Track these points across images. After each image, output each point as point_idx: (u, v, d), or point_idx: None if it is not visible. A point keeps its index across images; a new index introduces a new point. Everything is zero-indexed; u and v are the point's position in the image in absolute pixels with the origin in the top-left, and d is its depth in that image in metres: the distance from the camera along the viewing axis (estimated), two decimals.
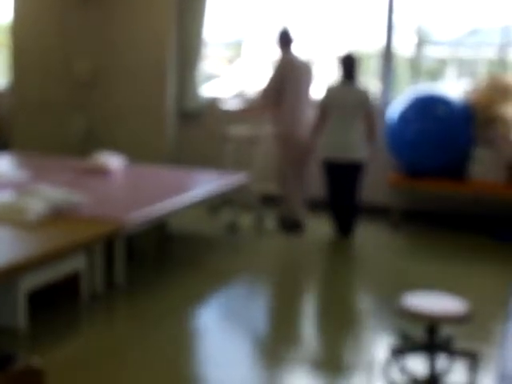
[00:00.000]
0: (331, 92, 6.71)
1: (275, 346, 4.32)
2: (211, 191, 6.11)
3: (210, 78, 8.56)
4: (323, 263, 6.18)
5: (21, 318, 4.12)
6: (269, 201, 7.13)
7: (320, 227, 6.89)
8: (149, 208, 5.22)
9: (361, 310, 5.10)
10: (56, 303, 4.60)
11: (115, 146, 7.44)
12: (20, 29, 8.50)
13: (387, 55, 7.54)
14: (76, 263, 4.55)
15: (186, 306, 4.85)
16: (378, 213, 7.26)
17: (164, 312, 4.70)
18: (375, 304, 5.14)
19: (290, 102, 6.77)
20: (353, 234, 6.67)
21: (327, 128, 6.65)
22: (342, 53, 6.86)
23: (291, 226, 6.84)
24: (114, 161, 6.59)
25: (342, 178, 6.62)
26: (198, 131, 7.94)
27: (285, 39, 6.88)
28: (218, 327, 4.60)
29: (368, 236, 6.82)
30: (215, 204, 6.89)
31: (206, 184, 6.30)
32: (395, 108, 7.17)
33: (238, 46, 8.86)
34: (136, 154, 7.38)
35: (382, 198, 7.32)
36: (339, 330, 4.58)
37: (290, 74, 6.77)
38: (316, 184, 7.17)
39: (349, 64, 6.72)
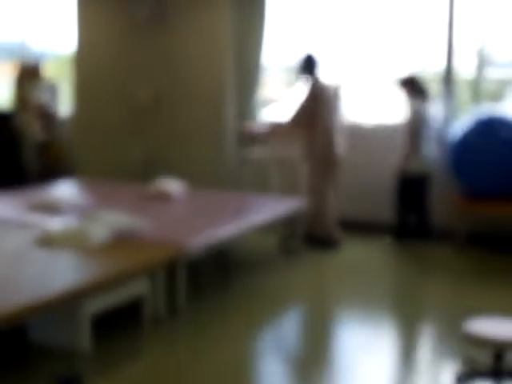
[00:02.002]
0: (419, 112, 6.89)
1: (331, 374, 4.27)
2: (271, 216, 6.12)
3: (268, 102, 8.61)
4: (382, 285, 6.09)
5: (85, 341, 4.17)
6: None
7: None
8: (210, 233, 5.25)
9: (424, 335, 5.00)
10: (119, 327, 4.64)
11: (176, 172, 7.52)
12: (83, 57, 8.72)
13: (448, 77, 7.44)
14: (139, 288, 4.59)
15: (245, 331, 4.83)
16: (440, 235, 7.16)
17: (224, 338, 4.69)
18: (439, 328, 5.04)
19: (323, 124, 6.91)
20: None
21: (419, 145, 6.89)
22: (403, 75, 7.06)
23: (324, 243, 6.97)
24: (175, 186, 6.67)
25: (425, 188, 7.04)
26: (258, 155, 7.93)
27: (311, 65, 7.02)
28: (276, 354, 4.56)
29: (430, 258, 6.74)
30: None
31: (266, 208, 6.32)
32: (457, 130, 7.07)
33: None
34: (196, 178, 7.44)
35: (444, 221, 7.21)
36: (402, 355, 4.51)
37: (321, 99, 6.91)
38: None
39: (418, 84, 6.99)
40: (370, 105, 8.10)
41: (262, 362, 4.46)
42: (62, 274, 4.25)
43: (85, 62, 8.73)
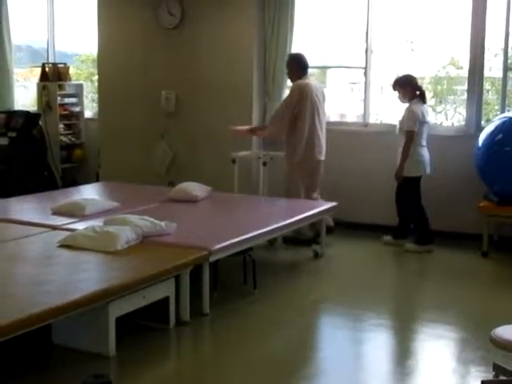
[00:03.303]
0: (418, 114, 6.82)
1: (358, 378, 4.24)
2: (297, 219, 6.10)
3: None
4: (406, 290, 6.04)
5: (111, 343, 4.18)
6: None
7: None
8: (235, 236, 5.24)
9: (450, 340, 4.95)
10: (145, 329, 4.65)
11: (200, 174, 7.51)
12: (105, 59, 8.75)
13: (476, 79, 7.36)
14: (164, 290, 4.59)
15: (270, 333, 4.84)
16: (466, 240, 7.11)
17: (249, 339, 4.70)
18: (466, 334, 4.98)
19: (307, 125, 6.87)
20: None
21: (419, 147, 6.86)
22: (399, 76, 7.07)
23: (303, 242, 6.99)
24: (199, 189, 6.66)
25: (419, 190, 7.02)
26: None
27: (300, 64, 7.00)
28: (301, 359, 4.54)
29: (457, 263, 6.68)
30: None
31: (290, 212, 6.30)
32: (485, 134, 6.95)
33: (323, 71, 8.89)
34: (221, 181, 7.42)
35: (470, 225, 7.15)
36: (429, 360, 4.47)
37: (307, 99, 6.84)
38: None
39: (416, 84, 6.96)
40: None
41: (288, 363, 4.44)
42: (87, 276, 4.26)
43: (107, 64, 8.76)
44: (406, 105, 6.95)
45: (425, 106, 6.96)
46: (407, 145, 6.81)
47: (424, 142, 6.94)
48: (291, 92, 6.94)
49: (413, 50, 7.91)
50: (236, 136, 7.55)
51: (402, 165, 6.86)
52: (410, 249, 6.96)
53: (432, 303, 5.63)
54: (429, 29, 7.74)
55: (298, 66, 7.01)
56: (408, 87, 6.92)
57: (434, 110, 8.21)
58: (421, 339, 4.87)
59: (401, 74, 7.17)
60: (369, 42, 7.78)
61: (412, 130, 6.78)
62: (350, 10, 7.94)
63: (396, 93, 7.02)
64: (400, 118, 7.05)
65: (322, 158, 7.06)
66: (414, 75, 7.08)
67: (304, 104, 6.83)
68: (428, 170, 6.99)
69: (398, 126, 7.10)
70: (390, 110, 8.24)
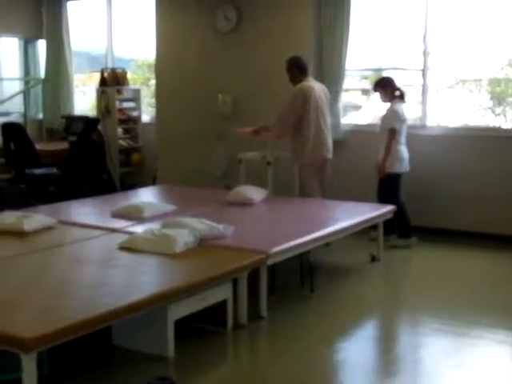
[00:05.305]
0: (399, 113, 7.04)
1: None
2: (353, 222, 6.07)
3: (351, 107, 8.60)
4: (468, 292, 5.92)
5: (170, 345, 4.22)
6: None
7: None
8: (292, 239, 5.24)
9: (498, 344, 4.86)
10: (202, 331, 4.68)
11: (256, 177, 7.52)
12: (163, 64, 8.86)
13: None
14: (222, 293, 4.62)
15: (327, 338, 4.80)
16: None
17: (305, 342, 4.68)
18: None
19: (312, 126, 6.88)
20: None
21: (399, 144, 7.05)
22: (379, 77, 7.33)
23: None
24: (255, 192, 6.69)
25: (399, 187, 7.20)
26: (341, 161, 7.72)
27: (300, 67, 7.00)
28: (360, 363, 4.50)
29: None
30: None
31: (348, 215, 6.27)
32: None
33: (377, 74, 8.82)
34: (277, 185, 7.42)
35: None
36: (489, 367, 4.40)
37: (310, 101, 6.84)
38: None
39: (395, 85, 7.13)
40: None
41: (344, 368, 4.42)
42: (147, 279, 4.31)
43: (164, 68, 8.88)
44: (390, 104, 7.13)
45: (403, 105, 7.12)
46: (390, 142, 6.98)
47: (404, 140, 7.11)
48: (294, 95, 6.94)
49: (470, 51, 7.79)
50: (241, 137, 7.59)
51: (385, 161, 7.01)
52: (398, 244, 7.12)
53: (493, 308, 5.53)
54: (486, 30, 7.62)
55: (297, 69, 7.01)
56: (388, 88, 7.13)
57: (493, 112, 8.08)
58: (481, 345, 4.79)
59: (381, 75, 7.44)
60: (426, 43, 7.70)
61: (394, 127, 6.98)
62: (406, 11, 7.87)
63: (377, 94, 7.24)
64: (381, 117, 7.25)
65: (330, 156, 7.10)
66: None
67: (307, 106, 6.85)
68: (407, 168, 7.16)
69: (379, 125, 7.27)
70: (446, 112, 8.15)
